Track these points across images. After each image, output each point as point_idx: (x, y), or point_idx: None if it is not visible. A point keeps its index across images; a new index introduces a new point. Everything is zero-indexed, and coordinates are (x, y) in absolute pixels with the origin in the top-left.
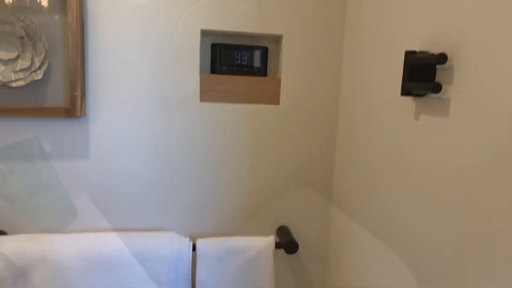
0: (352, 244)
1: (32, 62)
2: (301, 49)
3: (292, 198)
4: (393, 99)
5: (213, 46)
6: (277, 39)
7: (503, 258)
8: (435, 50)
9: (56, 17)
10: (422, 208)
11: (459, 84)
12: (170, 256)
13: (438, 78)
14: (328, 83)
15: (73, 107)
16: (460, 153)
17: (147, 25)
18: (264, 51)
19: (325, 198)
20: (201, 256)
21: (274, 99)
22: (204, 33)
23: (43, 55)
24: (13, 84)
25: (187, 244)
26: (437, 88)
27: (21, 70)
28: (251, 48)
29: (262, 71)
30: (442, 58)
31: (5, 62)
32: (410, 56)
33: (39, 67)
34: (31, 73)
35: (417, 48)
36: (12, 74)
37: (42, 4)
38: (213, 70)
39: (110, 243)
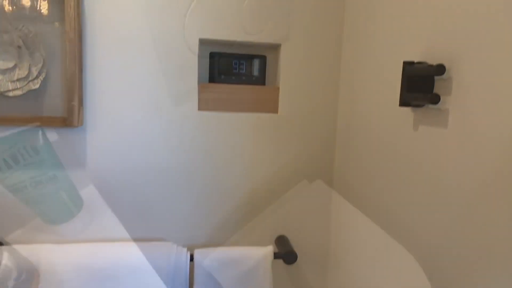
0: (352, 254)
1: (30, 72)
2: (299, 58)
3: (291, 208)
4: (391, 110)
5: (212, 55)
6: (275, 48)
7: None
8: (434, 61)
9: (54, 26)
10: (422, 220)
11: (458, 95)
12: (167, 267)
13: (436, 89)
14: (327, 92)
15: (70, 116)
16: (459, 164)
17: (145, 34)
18: (263, 60)
19: (324, 207)
20: (198, 267)
21: (272, 108)
22: (203, 42)
23: (40, 65)
24: (11, 94)
25: (184, 255)
26: (436, 99)
27: (18, 80)
28: (250, 57)
29: (261, 80)
30: (440, 69)
31: (3, 71)
32: (408, 66)
33: (37, 77)
34: (28, 82)
35: (415, 58)
36: (9, 83)
37: (40, 13)
38: (211, 79)
39: (106, 254)
